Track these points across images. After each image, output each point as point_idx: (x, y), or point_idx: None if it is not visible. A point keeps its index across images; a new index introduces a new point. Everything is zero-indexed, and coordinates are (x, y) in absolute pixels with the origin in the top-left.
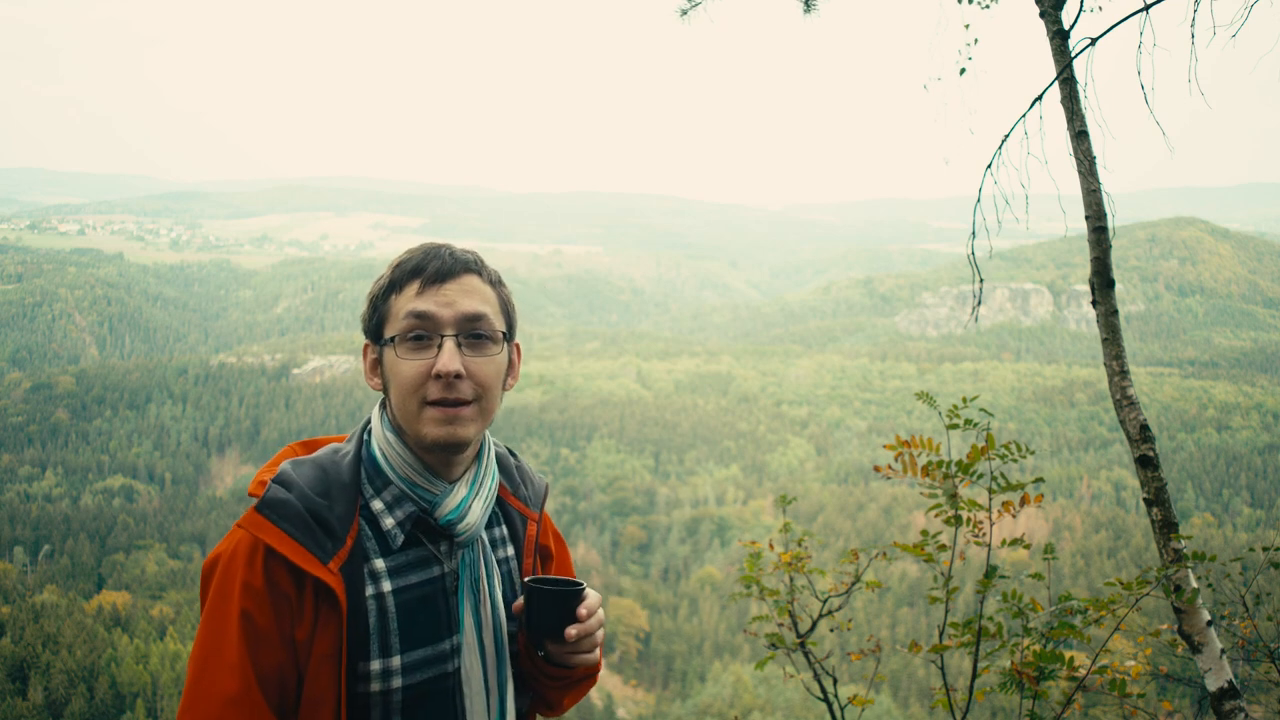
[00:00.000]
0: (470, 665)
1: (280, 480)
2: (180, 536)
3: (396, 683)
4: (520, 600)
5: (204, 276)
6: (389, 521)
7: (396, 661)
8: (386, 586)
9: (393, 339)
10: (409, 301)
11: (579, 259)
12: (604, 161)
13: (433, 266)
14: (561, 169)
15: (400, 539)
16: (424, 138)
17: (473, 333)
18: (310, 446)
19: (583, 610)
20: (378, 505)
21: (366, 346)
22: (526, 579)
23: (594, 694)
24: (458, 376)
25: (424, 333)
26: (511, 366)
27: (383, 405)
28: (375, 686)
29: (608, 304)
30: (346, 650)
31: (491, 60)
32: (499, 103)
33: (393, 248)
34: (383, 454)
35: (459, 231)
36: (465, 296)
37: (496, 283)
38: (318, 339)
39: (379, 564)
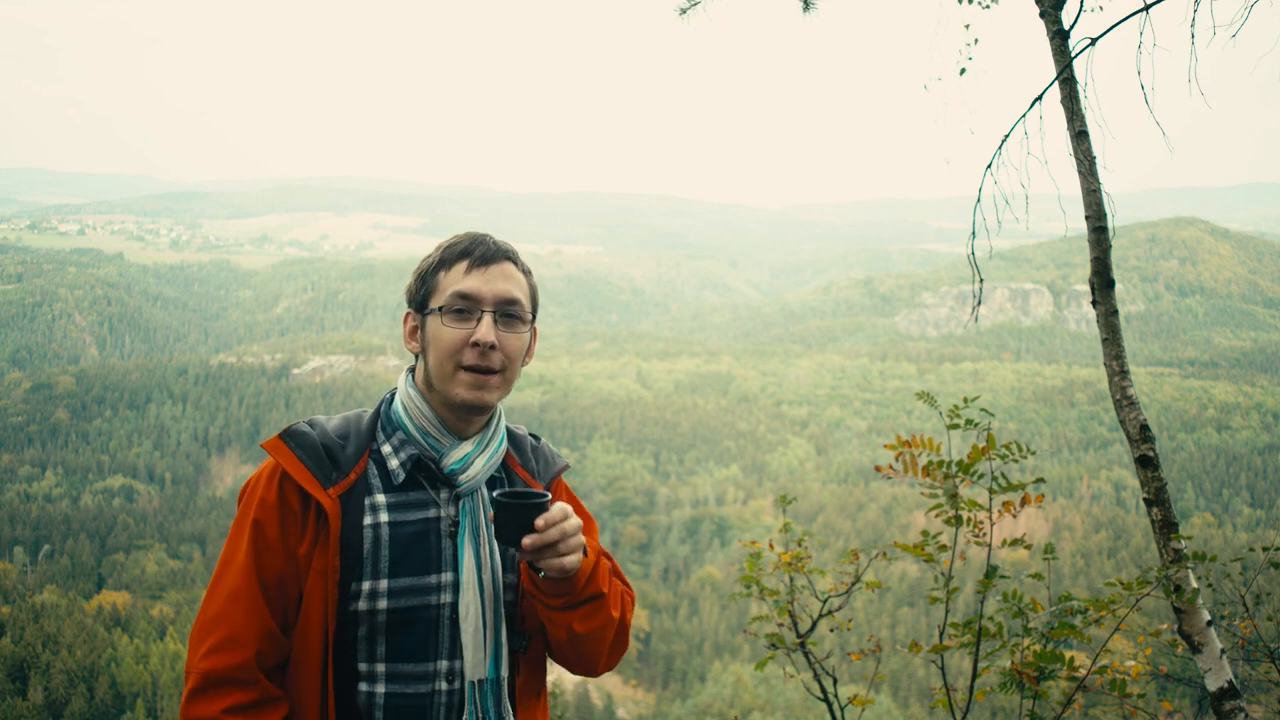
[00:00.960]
0: (470, 601)
1: (308, 421)
2: (180, 536)
3: (382, 604)
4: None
5: (204, 276)
6: (394, 461)
7: (384, 585)
8: (384, 518)
9: (439, 309)
10: (458, 279)
11: (579, 259)
12: (604, 161)
13: (479, 251)
14: (561, 169)
15: (402, 476)
16: (424, 138)
17: (507, 312)
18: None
19: (540, 521)
20: (386, 449)
21: (408, 315)
22: (495, 492)
23: (594, 694)
24: (492, 347)
25: (466, 307)
26: (530, 347)
27: (410, 372)
28: (362, 605)
29: (608, 304)
30: (339, 569)
31: (491, 60)
32: (499, 103)
33: (393, 248)
34: (404, 408)
35: (459, 231)
36: (504, 280)
37: (527, 272)
38: (318, 339)
39: (380, 498)
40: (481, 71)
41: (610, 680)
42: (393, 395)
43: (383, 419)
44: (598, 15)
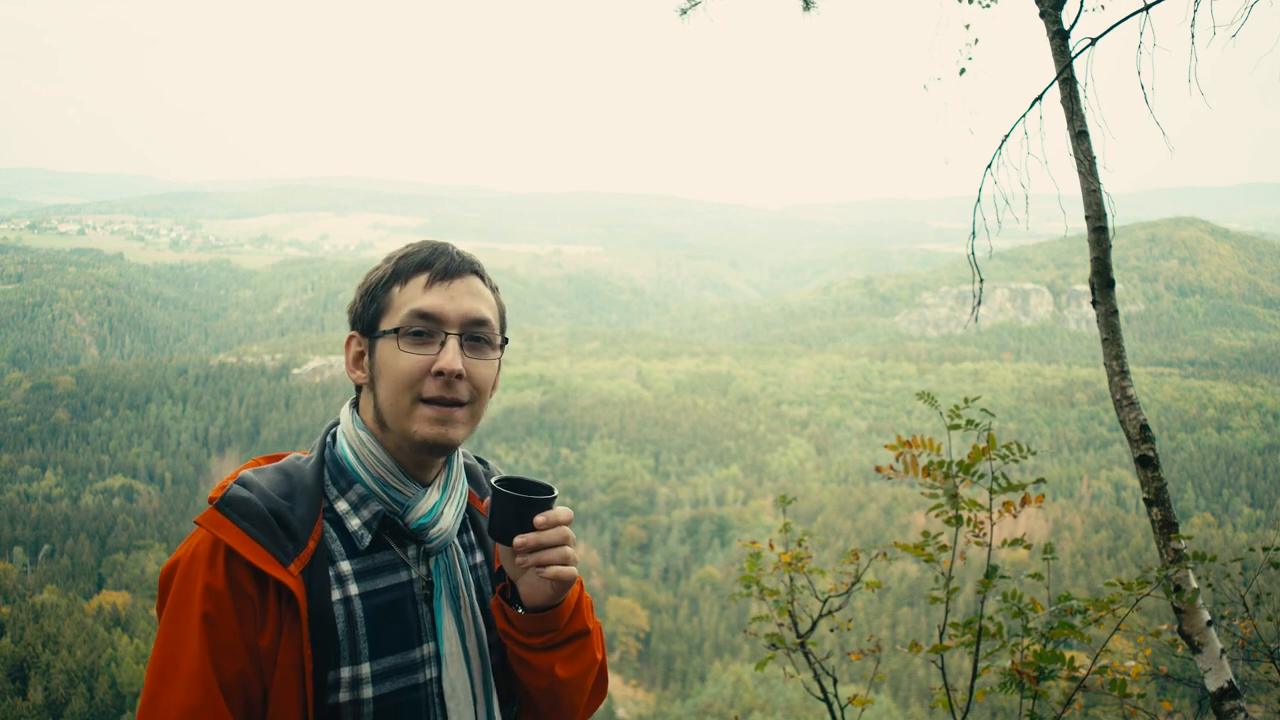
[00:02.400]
0: (456, 674)
1: (241, 481)
2: (180, 536)
3: (367, 692)
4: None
5: (204, 276)
6: (355, 522)
7: (366, 669)
8: (353, 590)
9: (393, 331)
10: (415, 295)
11: (579, 259)
12: (604, 161)
13: (440, 263)
14: (561, 169)
15: (368, 539)
16: (424, 138)
17: (475, 335)
18: (272, 460)
19: (540, 519)
20: (342, 505)
21: (352, 338)
22: (494, 479)
23: None
24: (458, 376)
25: (427, 329)
26: (497, 376)
27: (353, 405)
28: (345, 696)
29: (608, 304)
30: (312, 658)
31: (491, 60)
32: (499, 103)
33: (393, 248)
34: (354, 453)
35: (459, 231)
36: (471, 297)
37: (495, 288)
38: (318, 339)
39: (345, 566)
40: (481, 71)
41: (610, 680)
42: (333, 436)
43: (330, 468)
44: (598, 15)
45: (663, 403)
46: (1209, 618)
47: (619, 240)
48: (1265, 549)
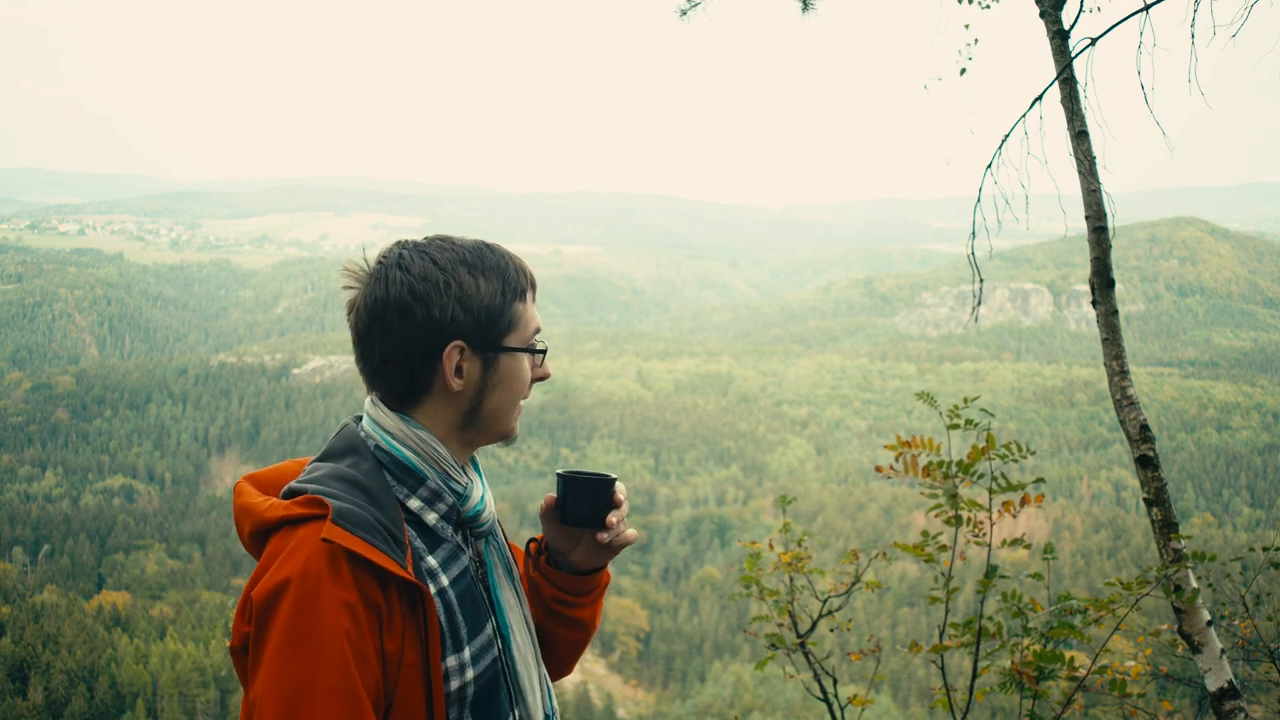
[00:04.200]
0: (522, 640)
1: (324, 491)
2: (180, 536)
3: (470, 675)
4: (551, 497)
5: (204, 276)
6: (432, 516)
7: (467, 654)
8: (444, 581)
9: (526, 347)
10: (533, 312)
11: (579, 259)
12: (604, 161)
13: (532, 277)
14: (561, 169)
15: (449, 531)
16: (424, 138)
17: None
18: (260, 479)
19: (619, 494)
20: (415, 503)
21: (456, 348)
22: (560, 471)
23: (594, 694)
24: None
25: (545, 344)
26: None
27: (388, 408)
28: (454, 684)
29: (608, 304)
30: (431, 653)
31: (491, 60)
32: (499, 103)
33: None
34: (416, 453)
35: (458, 232)
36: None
37: None
38: (318, 339)
39: (431, 561)
40: (481, 71)
41: (610, 680)
42: (383, 437)
43: (392, 469)
44: (598, 15)
45: (663, 403)
46: (1209, 618)
47: (619, 240)
48: (1265, 549)
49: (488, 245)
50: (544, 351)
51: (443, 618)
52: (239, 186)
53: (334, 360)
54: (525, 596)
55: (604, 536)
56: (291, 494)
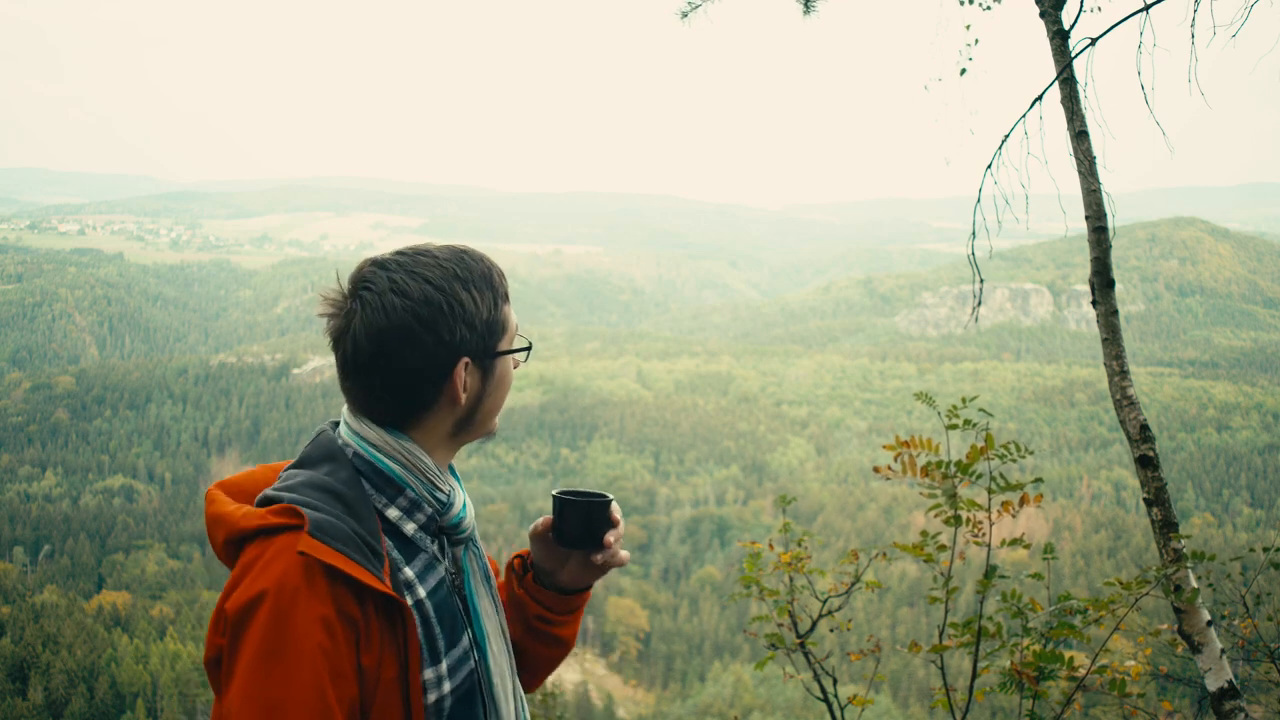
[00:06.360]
0: (498, 649)
1: (299, 501)
2: (180, 536)
3: (447, 687)
4: (545, 519)
5: (204, 276)
6: (410, 527)
7: (444, 666)
8: (421, 593)
9: (512, 350)
10: (511, 309)
11: (579, 259)
12: (604, 161)
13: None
14: (561, 169)
15: (427, 541)
16: (424, 138)
17: None
18: (233, 485)
19: (615, 515)
20: (394, 513)
21: (465, 364)
22: (555, 492)
23: (594, 693)
24: None
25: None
26: None
27: (370, 419)
28: (432, 696)
29: (608, 304)
30: (410, 667)
31: (491, 60)
32: (499, 103)
33: (392, 248)
34: (398, 462)
35: (459, 231)
36: None
37: None
38: (318, 339)
39: (409, 572)
40: (481, 71)
41: (610, 680)
42: (362, 446)
43: (371, 478)
44: (598, 15)
45: (663, 403)
46: (1209, 618)
47: (619, 240)
48: (1265, 549)
49: (465, 251)
50: (529, 348)
51: (420, 631)
52: (239, 186)
53: (333, 360)
54: (502, 604)
55: (599, 558)
56: (266, 502)
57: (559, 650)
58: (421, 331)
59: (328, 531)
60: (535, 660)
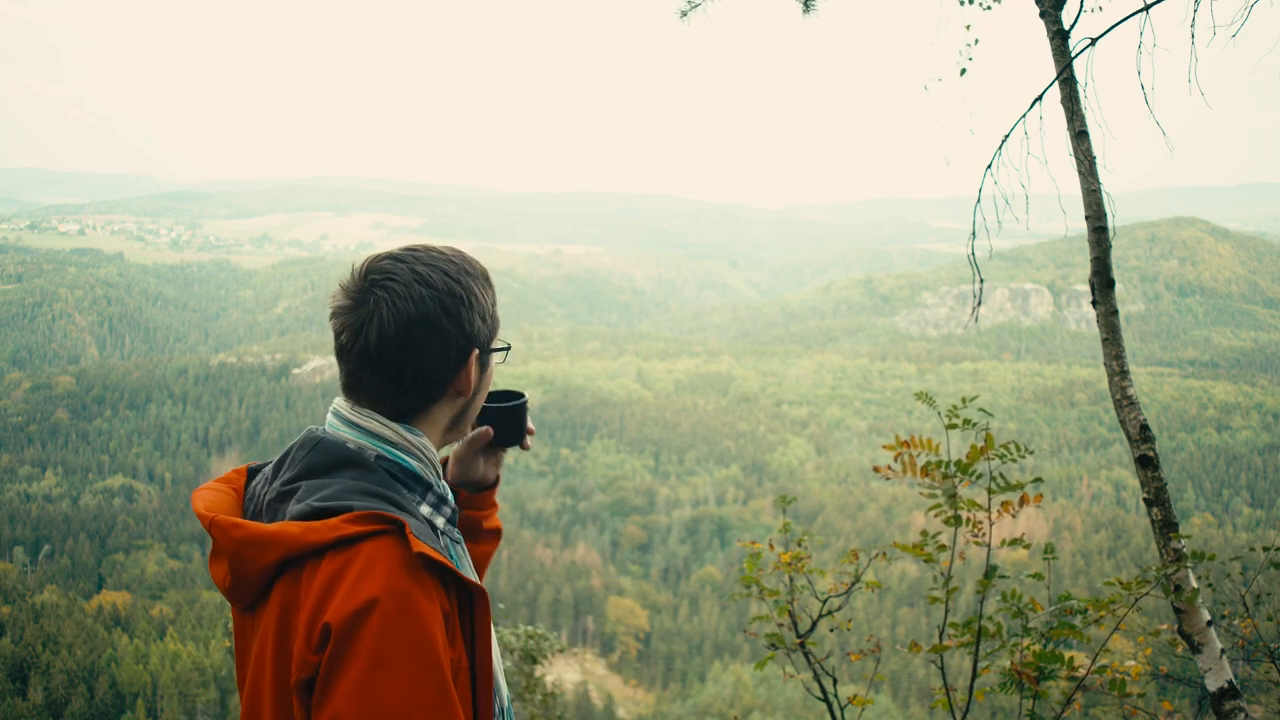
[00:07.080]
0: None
1: (373, 496)
2: (180, 536)
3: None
4: (475, 436)
5: (204, 276)
6: (440, 521)
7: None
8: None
9: (504, 345)
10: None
11: (579, 259)
12: (604, 161)
13: None
14: (561, 169)
15: (455, 533)
16: (424, 138)
17: None
18: (220, 506)
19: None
20: (426, 509)
21: (476, 355)
22: (491, 404)
23: (594, 693)
24: None
25: None
26: None
27: (389, 419)
28: (502, 682)
29: (608, 304)
30: (480, 653)
31: (491, 60)
32: (499, 103)
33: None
34: (418, 458)
35: (459, 231)
36: None
37: None
38: (318, 339)
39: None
40: (481, 71)
41: (610, 680)
42: (386, 447)
43: (401, 478)
44: (598, 15)
45: (663, 403)
46: (1209, 618)
47: (619, 240)
48: (1265, 549)
49: (459, 252)
50: (508, 349)
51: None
52: (239, 186)
53: (334, 360)
54: None
55: (529, 445)
56: (316, 514)
57: (495, 542)
58: (447, 321)
59: (419, 531)
60: (479, 560)
